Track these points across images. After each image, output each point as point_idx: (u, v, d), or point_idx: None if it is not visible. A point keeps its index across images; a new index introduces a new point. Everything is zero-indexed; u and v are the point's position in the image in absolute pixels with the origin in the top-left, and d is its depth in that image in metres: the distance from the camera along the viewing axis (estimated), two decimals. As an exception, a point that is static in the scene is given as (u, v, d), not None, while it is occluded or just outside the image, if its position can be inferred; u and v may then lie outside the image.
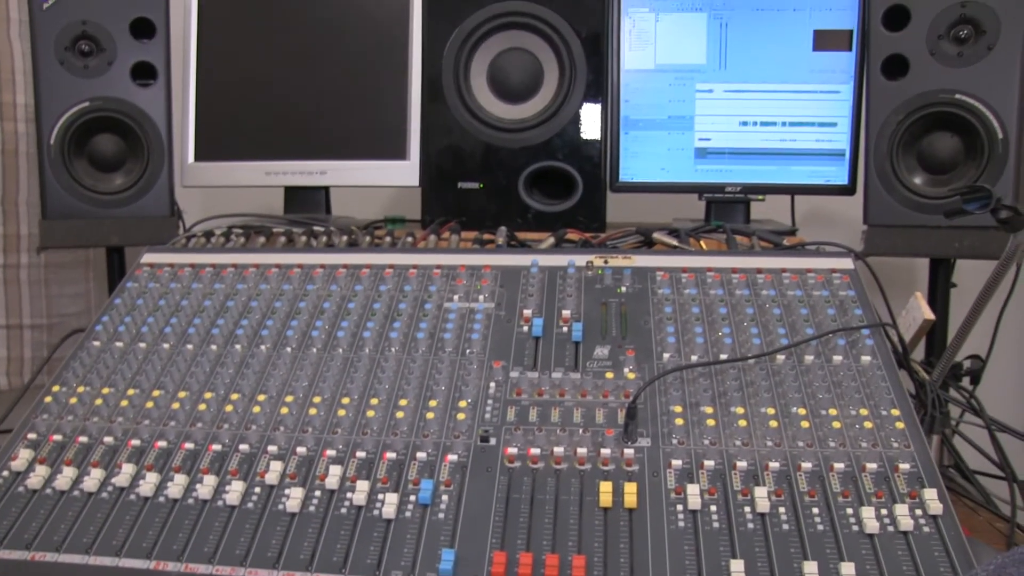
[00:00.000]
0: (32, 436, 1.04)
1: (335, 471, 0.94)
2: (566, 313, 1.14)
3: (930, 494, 0.88)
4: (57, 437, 1.03)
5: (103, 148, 1.58)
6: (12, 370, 1.75)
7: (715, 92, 1.58)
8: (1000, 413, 1.28)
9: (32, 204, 1.72)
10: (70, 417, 1.06)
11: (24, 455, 1.00)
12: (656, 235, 1.37)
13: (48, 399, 1.08)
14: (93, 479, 0.96)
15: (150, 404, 1.06)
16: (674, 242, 1.34)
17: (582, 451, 0.94)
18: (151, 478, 0.96)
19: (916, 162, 1.48)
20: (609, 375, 1.05)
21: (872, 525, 0.85)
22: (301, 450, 0.98)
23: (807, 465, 0.92)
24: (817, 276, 1.18)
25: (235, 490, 0.93)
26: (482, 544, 0.86)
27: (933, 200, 1.45)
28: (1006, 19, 1.40)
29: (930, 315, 1.20)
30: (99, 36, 1.55)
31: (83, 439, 1.02)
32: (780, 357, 1.06)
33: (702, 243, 1.37)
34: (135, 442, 1.01)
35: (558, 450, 0.95)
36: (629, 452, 0.94)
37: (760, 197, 1.60)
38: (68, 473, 0.97)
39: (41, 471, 0.98)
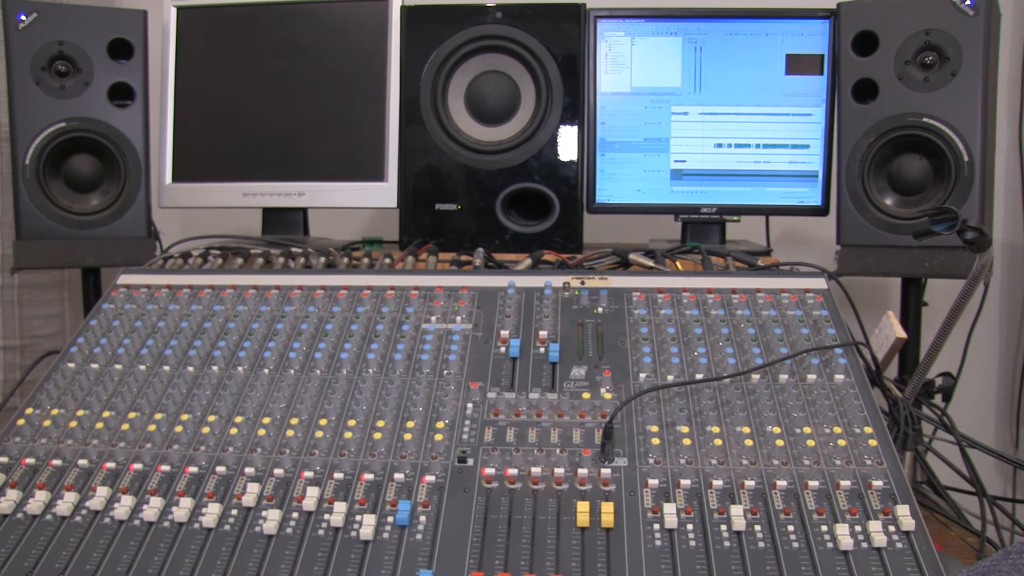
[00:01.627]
0: (3, 459, 1.02)
1: (312, 493, 0.94)
2: (543, 334, 1.15)
3: (903, 510, 0.89)
4: (30, 460, 1.02)
5: (79, 169, 1.58)
6: (-17, 392, 1.73)
7: (690, 115, 1.60)
8: (971, 430, 1.29)
9: (6, 224, 1.71)
10: (43, 440, 1.05)
11: (-6, 479, 0.99)
12: (632, 256, 1.38)
13: (21, 422, 1.07)
14: (67, 503, 0.95)
15: (126, 426, 1.05)
16: (650, 263, 1.35)
17: (559, 471, 0.95)
18: (126, 501, 0.95)
19: (887, 183, 1.51)
20: (586, 395, 1.05)
21: (846, 542, 0.86)
22: (278, 472, 0.97)
23: (782, 483, 0.93)
24: (791, 296, 1.19)
25: (212, 512, 0.93)
26: (460, 565, 0.86)
27: (904, 221, 1.47)
28: (967, 47, 1.43)
29: (902, 333, 1.21)
30: (76, 57, 1.55)
31: (57, 462, 1.01)
32: (755, 376, 1.07)
33: (678, 264, 1.38)
34: (110, 465, 1.00)
35: (535, 470, 0.95)
36: (606, 472, 0.94)
37: (735, 218, 1.62)
38: (41, 497, 0.96)
39: (12, 495, 0.97)
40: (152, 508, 0.93)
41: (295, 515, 0.92)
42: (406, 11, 1.58)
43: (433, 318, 1.19)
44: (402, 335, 1.16)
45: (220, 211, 1.70)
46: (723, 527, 0.89)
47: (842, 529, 0.87)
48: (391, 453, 0.99)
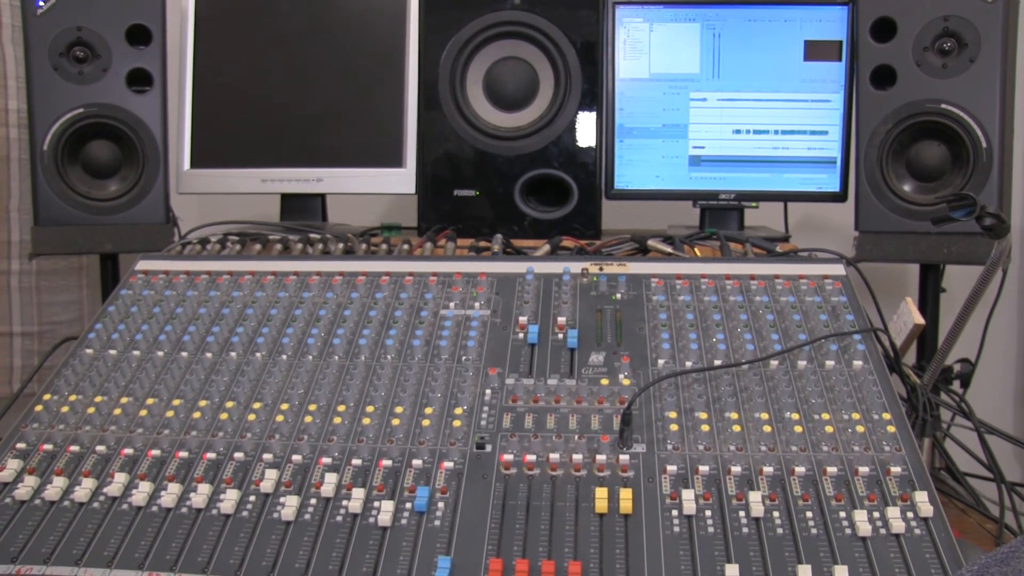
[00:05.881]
0: (21, 446, 1.03)
1: (331, 479, 0.94)
2: (561, 320, 1.15)
3: (921, 497, 0.89)
4: (47, 446, 1.02)
5: (97, 155, 1.58)
6: (1, 379, 1.74)
7: (708, 101, 1.59)
8: (989, 416, 1.29)
9: (24, 210, 1.72)
10: (61, 426, 1.05)
11: (12, 465, 0.99)
12: (651, 242, 1.38)
13: (39, 408, 1.08)
14: (84, 489, 0.95)
15: (144, 412, 1.05)
16: (668, 249, 1.35)
17: (577, 457, 0.95)
18: (144, 487, 0.95)
19: (905, 170, 1.50)
20: (604, 381, 1.05)
21: (864, 528, 0.86)
22: (296, 458, 0.98)
23: (800, 469, 0.93)
24: (809, 282, 1.19)
25: (230, 499, 0.93)
26: (478, 551, 0.87)
27: (922, 207, 1.47)
28: (985, 34, 1.43)
29: (920, 320, 1.21)
30: (94, 43, 1.55)
31: (74, 448, 1.02)
32: (773, 363, 1.06)
33: (696, 250, 1.38)
34: (128, 451, 1.00)
35: (554, 456, 0.95)
36: (624, 458, 0.94)
37: (753, 204, 1.61)
38: (58, 483, 0.96)
39: (30, 481, 0.97)
40: (170, 494, 0.94)
41: (313, 501, 0.93)
42: (425, -3, 1.58)
43: (451, 304, 1.19)
44: (420, 321, 1.16)
45: (238, 197, 1.71)
46: (741, 513, 0.88)
47: (860, 515, 0.87)
48: (409, 439, 0.99)
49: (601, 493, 0.91)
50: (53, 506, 0.95)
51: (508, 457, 0.96)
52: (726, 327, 1.12)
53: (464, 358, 1.10)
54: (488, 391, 1.05)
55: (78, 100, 1.55)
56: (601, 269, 1.24)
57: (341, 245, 1.39)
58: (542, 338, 1.13)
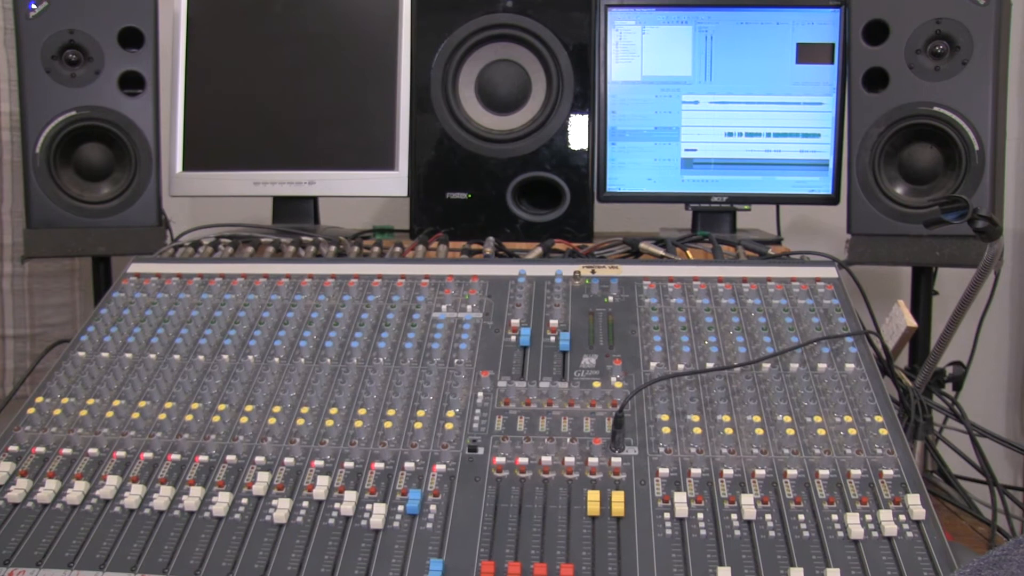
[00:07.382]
0: (13, 448, 1.03)
1: (323, 481, 0.94)
2: (553, 323, 1.15)
3: (913, 499, 0.89)
4: (40, 449, 1.02)
5: (90, 157, 1.58)
6: (-7, 381, 1.74)
7: (701, 103, 1.59)
8: (981, 419, 1.29)
9: (16, 213, 1.72)
10: (54, 429, 1.05)
11: (5, 468, 0.99)
12: (643, 245, 1.38)
13: (31, 410, 1.07)
14: (77, 491, 0.95)
15: (136, 415, 1.05)
16: (660, 252, 1.35)
17: (570, 460, 0.95)
18: (136, 490, 0.95)
19: (898, 172, 1.50)
20: (596, 384, 1.05)
21: (857, 531, 0.86)
22: (289, 461, 0.98)
23: (793, 472, 0.93)
24: (801, 285, 1.19)
25: (222, 501, 0.93)
26: (470, 554, 0.87)
27: (915, 210, 1.47)
28: (978, 36, 1.43)
29: (912, 323, 1.21)
30: (86, 45, 1.55)
31: (67, 451, 1.01)
32: (765, 365, 1.06)
33: (688, 253, 1.38)
34: (120, 453, 1.00)
35: (546, 459, 0.95)
36: (616, 461, 0.94)
37: (746, 207, 1.61)
38: (51, 486, 0.96)
39: (22, 484, 0.97)
40: (162, 497, 0.94)
41: (305, 504, 0.93)
42: (417, 0, 1.58)
43: (444, 307, 1.19)
44: (413, 324, 1.16)
45: (230, 200, 1.70)
46: (733, 516, 0.89)
47: (853, 518, 0.87)
48: (401, 442, 0.99)
49: (593, 496, 0.90)
50: (45, 508, 0.95)
51: (500, 460, 0.96)
52: (718, 330, 1.12)
53: (456, 361, 1.10)
54: (480, 394, 1.05)
55: (70, 103, 1.55)
56: (593, 272, 1.24)
57: (333, 248, 1.39)
58: (534, 341, 1.13)
